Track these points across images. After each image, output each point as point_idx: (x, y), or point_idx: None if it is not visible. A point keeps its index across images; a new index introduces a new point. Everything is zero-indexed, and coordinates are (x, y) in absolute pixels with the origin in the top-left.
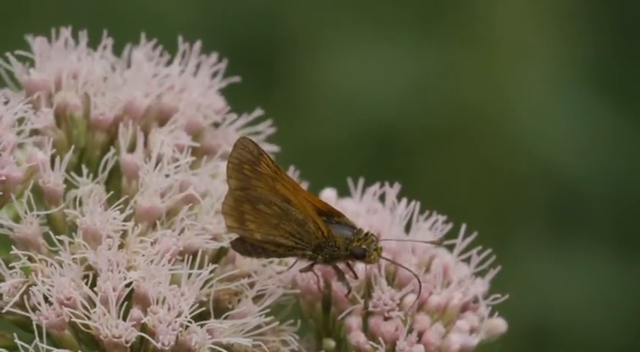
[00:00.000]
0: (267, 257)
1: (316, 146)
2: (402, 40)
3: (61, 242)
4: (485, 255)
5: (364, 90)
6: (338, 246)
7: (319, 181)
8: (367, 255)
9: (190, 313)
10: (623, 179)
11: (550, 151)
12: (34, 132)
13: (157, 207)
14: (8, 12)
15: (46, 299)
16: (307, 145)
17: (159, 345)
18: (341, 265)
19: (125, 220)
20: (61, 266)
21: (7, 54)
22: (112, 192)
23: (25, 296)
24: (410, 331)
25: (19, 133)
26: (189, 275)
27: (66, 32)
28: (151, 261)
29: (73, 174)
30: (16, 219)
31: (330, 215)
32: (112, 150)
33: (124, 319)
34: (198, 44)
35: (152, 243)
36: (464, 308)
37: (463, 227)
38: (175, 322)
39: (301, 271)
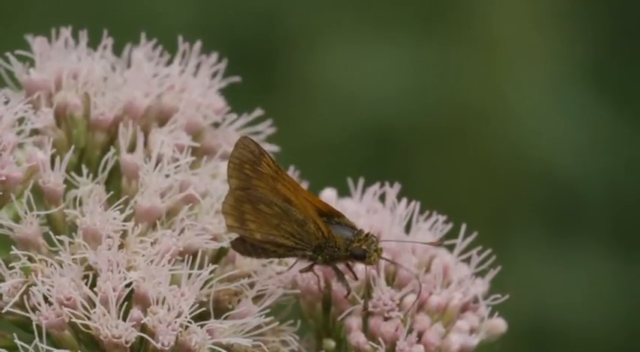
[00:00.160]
0: (267, 257)
1: (316, 146)
2: (401, 40)
3: (61, 242)
4: (485, 255)
5: (364, 90)
6: (338, 246)
7: (319, 181)
8: (367, 255)
9: (190, 313)
10: (621, 179)
11: (549, 151)
12: (34, 132)
13: (157, 207)
14: (8, 12)
15: (46, 299)
16: (307, 145)
17: (159, 345)
18: (341, 266)
19: (125, 220)
20: (61, 266)
21: (7, 54)
22: (112, 192)
23: (25, 297)
24: (410, 331)
25: (19, 133)
26: (189, 275)
27: (66, 32)
28: (151, 261)
29: (73, 174)
30: (16, 219)
31: (331, 215)
32: (112, 150)
33: (124, 319)
34: (198, 44)
35: (152, 243)
36: (464, 309)
37: (463, 227)
38: (175, 322)
39: (301, 271)
